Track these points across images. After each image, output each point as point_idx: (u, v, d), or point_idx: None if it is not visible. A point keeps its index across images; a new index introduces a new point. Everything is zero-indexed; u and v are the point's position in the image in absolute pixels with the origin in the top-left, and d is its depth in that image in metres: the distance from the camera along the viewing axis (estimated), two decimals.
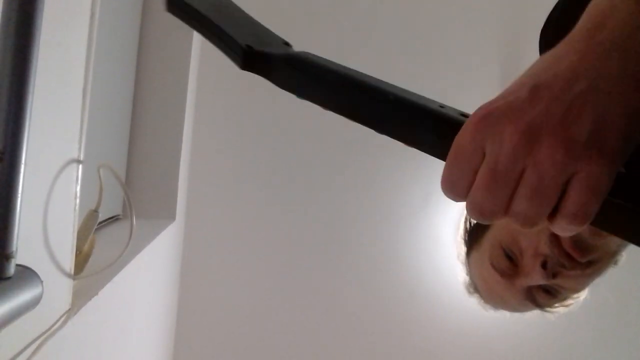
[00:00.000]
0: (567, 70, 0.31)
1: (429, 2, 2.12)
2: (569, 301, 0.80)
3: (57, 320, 0.63)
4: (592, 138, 0.30)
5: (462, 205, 0.36)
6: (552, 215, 0.32)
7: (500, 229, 0.79)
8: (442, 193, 0.35)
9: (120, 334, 1.04)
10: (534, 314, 0.81)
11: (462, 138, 0.33)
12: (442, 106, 0.37)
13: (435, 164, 0.37)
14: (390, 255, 2.09)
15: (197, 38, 1.76)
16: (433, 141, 0.36)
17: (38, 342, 0.57)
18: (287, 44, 0.45)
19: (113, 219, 1.40)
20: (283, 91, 0.42)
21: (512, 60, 2.12)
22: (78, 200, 0.69)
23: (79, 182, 0.68)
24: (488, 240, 0.81)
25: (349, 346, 2.09)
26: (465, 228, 0.88)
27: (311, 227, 2.07)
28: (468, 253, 0.87)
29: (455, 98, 2.06)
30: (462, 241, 0.88)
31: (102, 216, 0.83)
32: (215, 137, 2.03)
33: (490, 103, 0.33)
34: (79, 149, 0.68)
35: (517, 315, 1.98)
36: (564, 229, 0.32)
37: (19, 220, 0.47)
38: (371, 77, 0.40)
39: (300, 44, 0.46)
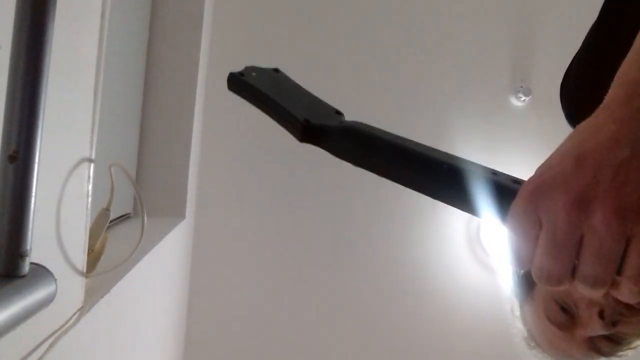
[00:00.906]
0: (609, 138, 0.33)
1: (439, 2, 2.11)
2: (637, 343, 0.76)
3: (70, 318, 0.64)
4: None
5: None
6: (616, 279, 0.33)
7: None
8: None
9: (131, 331, 1.05)
10: None
11: (516, 212, 0.35)
12: (494, 173, 0.39)
13: None
14: (400, 254, 2.08)
15: (206, 37, 1.77)
16: (487, 208, 0.37)
17: (51, 339, 0.58)
18: (338, 112, 0.49)
19: (124, 218, 1.42)
20: None
21: (522, 59, 2.11)
22: (90, 199, 0.69)
23: (91, 180, 0.69)
24: (540, 293, 0.78)
25: (358, 344, 2.09)
26: (515, 281, 0.86)
27: (320, 225, 2.08)
28: (521, 307, 0.84)
29: (464, 97, 2.03)
30: (514, 295, 0.86)
31: (113, 214, 0.84)
32: (224, 135, 2.03)
33: (538, 175, 0.35)
34: (91, 148, 0.68)
35: None
36: (630, 292, 0.33)
37: (33, 219, 0.48)
38: (422, 145, 0.42)
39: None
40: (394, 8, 2.08)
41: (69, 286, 0.64)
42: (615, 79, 0.35)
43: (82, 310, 0.68)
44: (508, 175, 0.38)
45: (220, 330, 2.04)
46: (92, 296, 0.73)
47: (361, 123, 0.45)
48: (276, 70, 0.53)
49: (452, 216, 2.05)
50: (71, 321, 0.64)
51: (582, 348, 0.74)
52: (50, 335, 0.58)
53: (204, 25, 1.69)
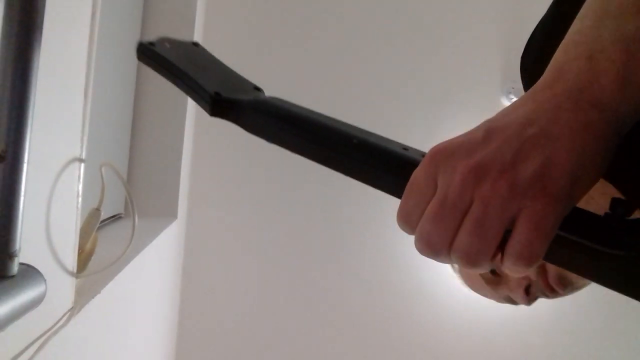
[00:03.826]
0: (522, 116, 0.33)
1: (429, 4, 2.12)
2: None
3: (60, 318, 0.64)
4: (538, 177, 0.31)
5: None
6: (501, 255, 0.33)
7: None
8: None
9: (122, 332, 1.04)
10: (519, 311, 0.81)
11: (417, 171, 0.35)
12: (405, 148, 0.38)
13: None
14: (392, 255, 2.09)
15: (197, 37, 1.77)
16: (395, 183, 0.36)
17: (41, 340, 0.57)
18: (257, 88, 0.46)
19: (115, 218, 1.41)
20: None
21: (513, 60, 2.12)
22: (80, 199, 0.69)
23: (81, 180, 0.69)
24: None
25: (350, 346, 2.09)
26: None
27: (312, 226, 2.08)
28: None
29: (455, 98, 2.04)
30: None
31: (104, 215, 0.83)
32: (216, 135, 2.03)
33: (446, 141, 0.35)
34: (81, 147, 0.68)
35: (518, 314, 1.97)
36: (512, 269, 0.32)
37: (22, 219, 0.48)
38: (338, 120, 0.40)
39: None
40: (384, 11, 2.09)
41: (59, 286, 0.64)
42: (550, 62, 0.35)
43: (73, 311, 0.67)
44: (419, 150, 0.37)
45: (212, 330, 2.04)
46: (83, 297, 0.73)
47: (276, 98, 0.43)
48: (195, 44, 0.50)
49: None
50: (61, 322, 0.63)
51: (501, 299, 0.78)
52: (40, 336, 0.57)
53: (196, 25, 1.69)
